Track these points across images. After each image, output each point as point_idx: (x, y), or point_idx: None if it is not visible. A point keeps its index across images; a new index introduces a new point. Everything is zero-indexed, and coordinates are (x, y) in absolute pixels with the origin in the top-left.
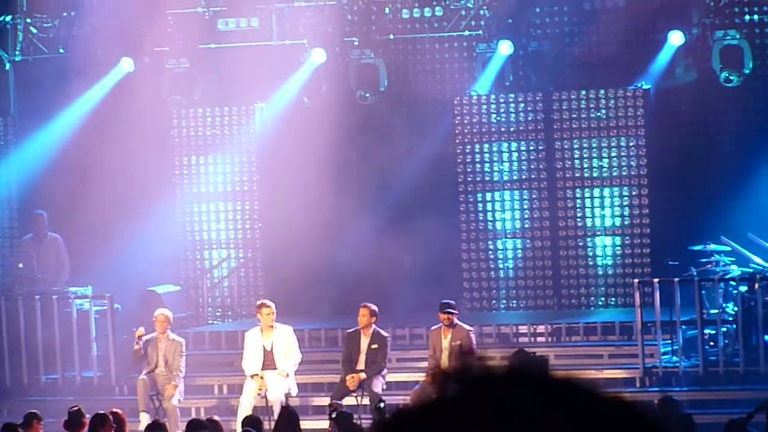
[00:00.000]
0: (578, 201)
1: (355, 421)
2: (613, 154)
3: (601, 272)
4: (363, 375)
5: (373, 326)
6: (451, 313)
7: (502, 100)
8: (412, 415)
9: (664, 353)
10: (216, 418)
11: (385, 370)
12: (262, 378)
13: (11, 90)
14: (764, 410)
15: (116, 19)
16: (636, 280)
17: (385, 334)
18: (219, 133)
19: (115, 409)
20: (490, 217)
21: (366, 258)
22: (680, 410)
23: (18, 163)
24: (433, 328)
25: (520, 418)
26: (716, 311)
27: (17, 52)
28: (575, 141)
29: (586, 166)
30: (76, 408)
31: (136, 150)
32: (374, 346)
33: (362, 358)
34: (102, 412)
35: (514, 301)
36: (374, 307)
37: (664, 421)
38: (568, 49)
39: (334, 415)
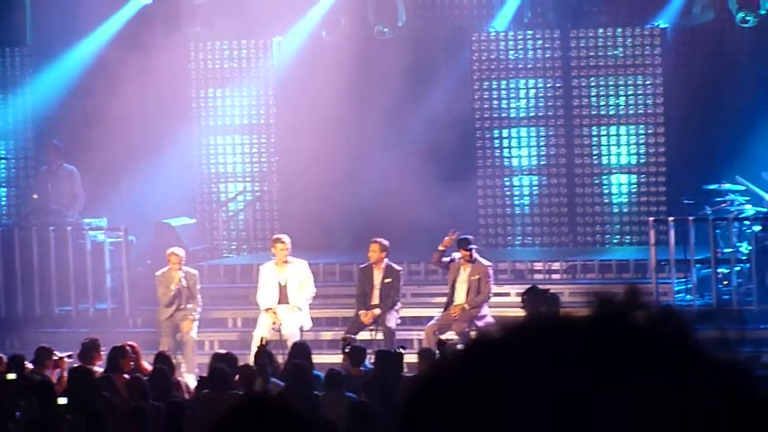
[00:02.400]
0: (594, 139)
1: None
2: (630, 93)
3: (616, 210)
4: (377, 311)
5: (386, 260)
6: (471, 249)
7: (520, 37)
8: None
9: (678, 291)
10: (232, 352)
11: (399, 304)
12: (275, 312)
13: (28, 19)
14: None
15: None
16: (651, 219)
17: (397, 267)
18: (237, 66)
19: (130, 342)
20: (506, 154)
21: (382, 193)
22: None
23: (34, 94)
24: (451, 260)
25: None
26: (730, 250)
27: None
28: (592, 79)
29: (602, 104)
30: (90, 340)
31: (153, 82)
32: (387, 280)
33: (376, 293)
34: (120, 344)
35: (530, 238)
36: (385, 242)
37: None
38: None
39: (347, 350)
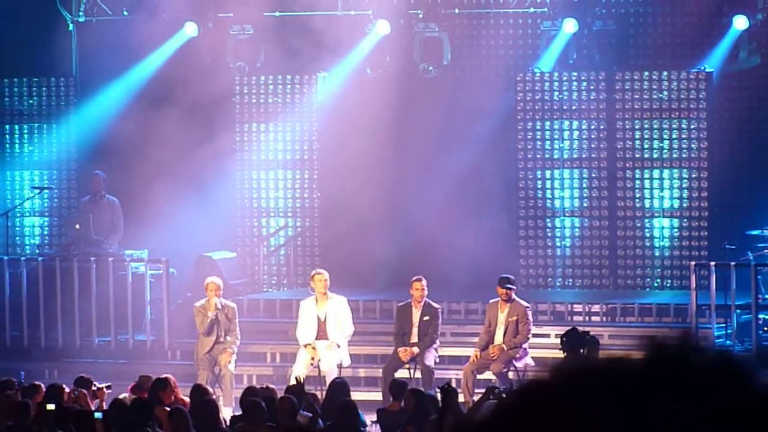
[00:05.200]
0: (637, 182)
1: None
2: (674, 136)
3: (657, 254)
4: (416, 349)
5: (424, 298)
6: (510, 288)
7: (564, 78)
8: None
9: (718, 336)
10: (271, 386)
11: (438, 342)
12: (314, 348)
13: (74, 51)
14: None
15: None
16: (692, 263)
17: (435, 305)
18: (281, 101)
19: (166, 375)
20: (548, 195)
21: (423, 232)
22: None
23: (78, 124)
24: (491, 301)
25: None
26: None
27: (81, 13)
28: (636, 122)
29: (646, 147)
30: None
31: (197, 115)
32: (426, 318)
33: (414, 331)
34: (161, 376)
35: (570, 280)
36: (424, 281)
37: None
38: (632, 29)
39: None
